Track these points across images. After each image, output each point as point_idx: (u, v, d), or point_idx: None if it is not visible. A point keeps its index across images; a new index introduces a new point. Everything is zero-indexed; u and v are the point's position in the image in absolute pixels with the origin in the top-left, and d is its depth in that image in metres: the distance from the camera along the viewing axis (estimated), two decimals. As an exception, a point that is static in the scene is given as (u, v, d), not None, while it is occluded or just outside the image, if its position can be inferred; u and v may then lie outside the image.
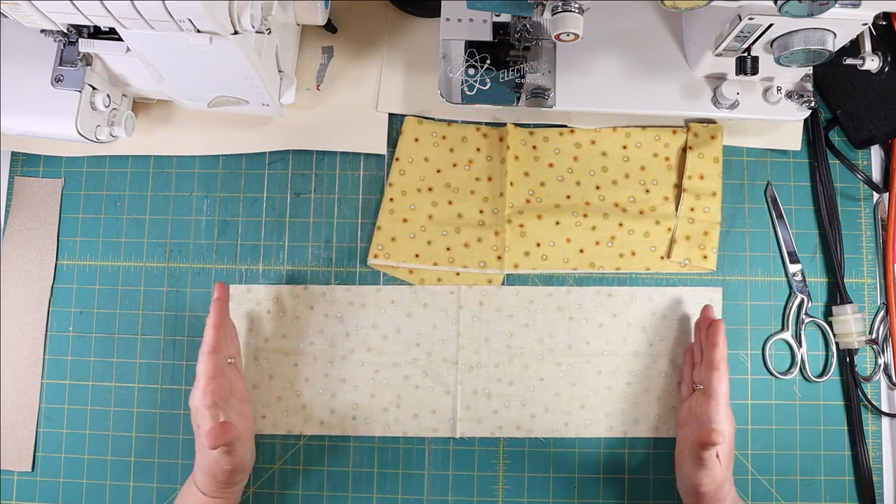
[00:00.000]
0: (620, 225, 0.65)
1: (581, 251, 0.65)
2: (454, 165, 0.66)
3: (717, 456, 0.54)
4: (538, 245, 0.65)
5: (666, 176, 0.66)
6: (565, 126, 0.67)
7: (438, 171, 0.66)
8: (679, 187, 0.65)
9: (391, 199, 0.66)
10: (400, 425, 0.64)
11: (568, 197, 0.66)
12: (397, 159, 0.66)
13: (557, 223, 0.65)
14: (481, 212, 0.66)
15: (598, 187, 0.66)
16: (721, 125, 0.66)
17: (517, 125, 0.66)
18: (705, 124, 0.66)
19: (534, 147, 0.66)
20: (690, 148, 0.65)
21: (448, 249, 0.65)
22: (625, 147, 0.66)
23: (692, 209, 0.65)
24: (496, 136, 0.67)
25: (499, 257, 0.65)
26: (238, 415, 0.58)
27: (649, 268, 0.65)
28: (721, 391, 0.56)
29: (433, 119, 0.67)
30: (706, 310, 0.62)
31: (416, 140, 0.66)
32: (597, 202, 0.66)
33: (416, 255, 0.65)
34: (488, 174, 0.66)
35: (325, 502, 0.64)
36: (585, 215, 0.65)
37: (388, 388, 0.64)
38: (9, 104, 0.57)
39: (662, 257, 0.65)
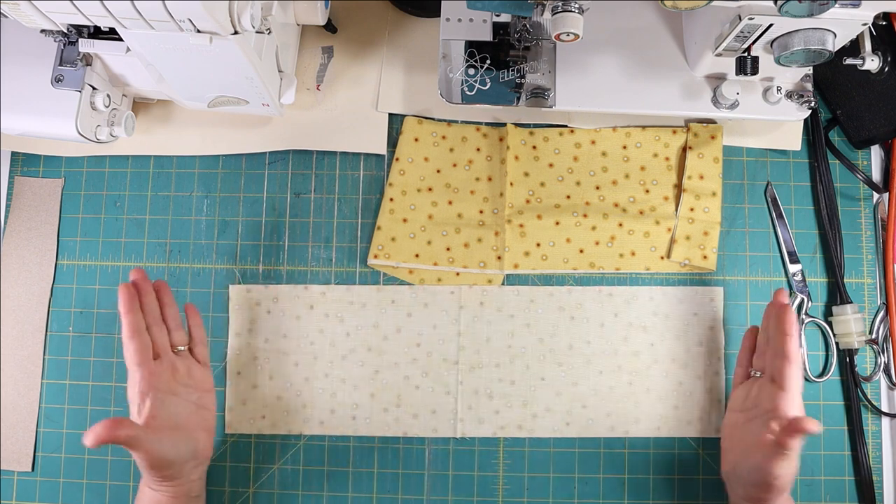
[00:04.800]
0: (620, 225, 0.65)
1: (581, 251, 0.65)
2: (454, 165, 0.66)
3: None
4: (538, 245, 0.65)
5: (666, 176, 0.66)
6: (565, 126, 0.67)
7: (438, 171, 0.66)
8: (679, 187, 0.65)
9: (391, 199, 0.66)
10: (400, 425, 0.64)
11: (568, 197, 0.66)
12: (397, 159, 0.66)
13: (557, 223, 0.65)
14: (481, 212, 0.66)
15: (598, 187, 0.66)
16: (721, 125, 0.66)
17: (517, 125, 0.66)
18: (705, 124, 0.66)
19: (534, 147, 0.66)
20: (690, 148, 0.65)
21: (448, 249, 0.65)
22: (625, 147, 0.66)
23: (692, 209, 0.65)
24: (496, 136, 0.67)
25: (499, 257, 0.65)
26: (186, 404, 0.57)
27: (649, 268, 0.65)
28: (797, 386, 0.53)
29: (433, 119, 0.67)
30: (777, 294, 0.57)
31: (416, 140, 0.66)
32: (597, 202, 0.66)
33: (416, 255, 0.65)
34: (488, 174, 0.66)
35: (325, 502, 0.64)
36: (585, 215, 0.65)
37: (388, 388, 0.64)
38: (9, 104, 0.57)
39: (662, 257, 0.65)
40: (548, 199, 0.66)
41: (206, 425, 0.58)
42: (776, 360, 0.54)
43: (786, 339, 0.54)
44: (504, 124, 0.66)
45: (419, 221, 0.65)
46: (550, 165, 0.66)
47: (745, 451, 0.54)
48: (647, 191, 0.66)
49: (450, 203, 0.66)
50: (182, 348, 0.59)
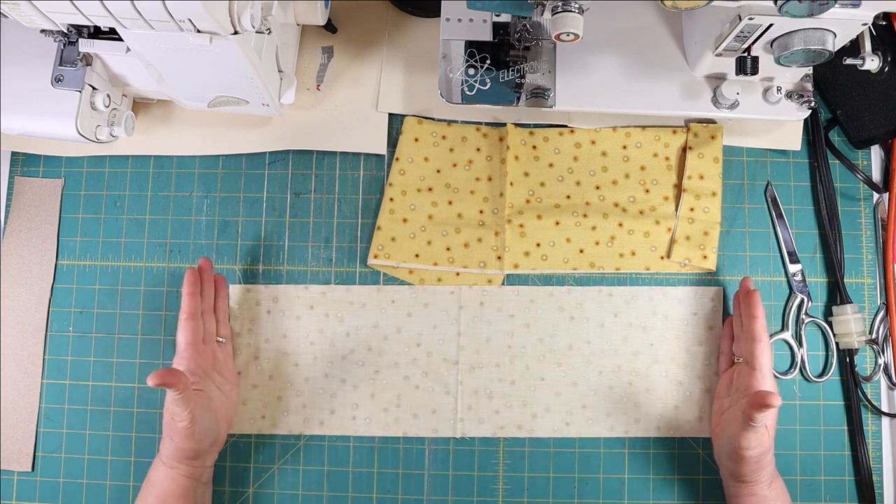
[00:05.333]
0: (620, 225, 0.65)
1: (581, 251, 0.65)
2: (454, 165, 0.66)
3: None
4: (538, 245, 0.65)
5: (666, 176, 0.66)
6: (565, 126, 0.67)
7: (438, 171, 0.66)
8: (679, 187, 0.65)
9: (391, 199, 0.65)
10: (400, 425, 0.64)
11: (568, 197, 0.66)
12: (397, 159, 0.66)
13: (557, 223, 0.65)
14: (481, 212, 0.66)
15: (597, 187, 0.66)
16: (721, 125, 0.66)
17: (517, 125, 0.66)
18: (705, 124, 0.66)
19: (534, 147, 0.66)
20: (690, 148, 0.65)
21: (448, 249, 0.65)
22: (625, 147, 0.66)
23: (692, 209, 0.65)
24: (496, 136, 0.67)
25: (499, 257, 0.65)
26: (219, 392, 0.60)
27: (649, 267, 0.65)
28: (766, 363, 0.57)
29: (433, 119, 0.67)
30: (744, 281, 0.61)
31: (416, 140, 0.66)
32: (597, 202, 0.66)
33: (416, 255, 0.65)
34: (488, 174, 0.66)
35: (325, 502, 0.64)
36: (585, 215, 0.65)
37: (388, 388, 0.64)
38: (9, 104, 0.57)
39: (662, 257, 0.65)
40: (548, 198, 0.66)
41: (229, 416, 0.62)
42: (748, 343, 0.58)
43: (753, 321, 0.58)
44: (504, 124, 0.66)
45: (419, 221, 0.65)
46: (550, 165, 0.66)
47: (726, 429, 0.58)
48: (648, 190, 0.66)
49: (450, 203, 0.66)
50: (223, 340, 0.63)
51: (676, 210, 0.65)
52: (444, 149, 0.66)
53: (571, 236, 0.65)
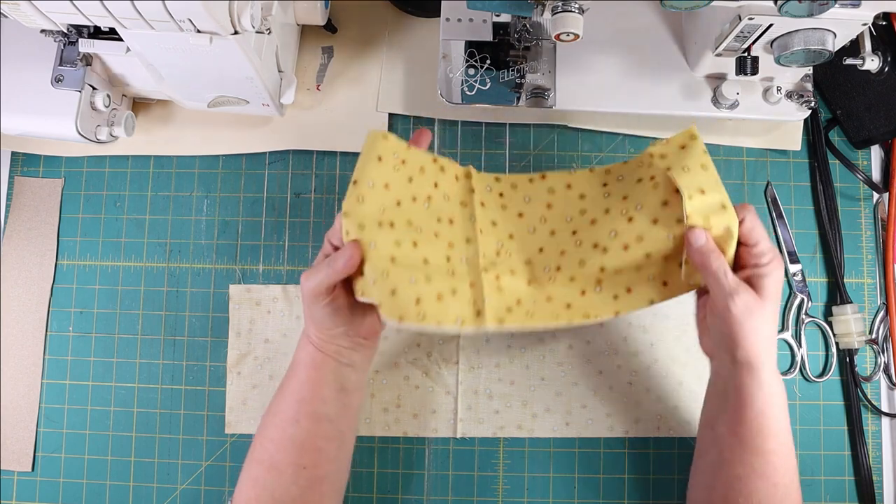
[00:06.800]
0: (602, 269, 0.53)
1: (568, 306, 0.53)
2: (413, 199, 0.52)
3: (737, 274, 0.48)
4: (518, 302, 0.53)
5: (652, 196, 0.52)
6: (536, 172, 0.58)
7: (399, 204, 0.52)
8: (668, 204, 0.52)
9: (347, 233, 0.49)
10: (400, 425, 0.64)
11: (541, 250, 0.55)
12: (355, 182, 0.50)
13: (530, 282, 0.54)
14: (448, 259, 0.52)
15: (574, 232, 0.55)
16: (690, 128, 0.54)
17: (481, 171, 0.57)
18: (664, 140, 0.54)
19: (500, 195, 0.57)
20: (669, 169, 0.51)
21: (417, 302, 0.49)
22: (605, 185, 0.56)
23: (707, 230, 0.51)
24: (452, 174, 0.55)
25: (478, 312, 0.51)
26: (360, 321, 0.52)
27: (653, 300, 0.53)
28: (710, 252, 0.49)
29: (397, 135, 0.52)
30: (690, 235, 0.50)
31: (380, 159, 0.51)
32: (572, 249, 0.54)
33: (379, 305, 0.48)
34: (449, 216, 0.54)
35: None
36: (559, 268, 0.54)
37: (388, 389, 0.64)
38: (9, 104, 0.57)
39: (666, 282, 0.53)
40: (517, 253, 0.55)
41: (367, 332, 0.53)
42: (705, 276, 0.50)
43: (703, 258, 0.49)
44: (467, 164, 0.57)
45: (380, 265, 0.49)
46: (520, 215, 0.56)
47: (710, 322, 0.52)
48: (631, 218, 0.52)
49: (414, 244, 0.51)
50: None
51: (671, 232, 0.52)
52: (402, 176, 0.52)
53: (552, 294, 0.54)
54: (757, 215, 0.50)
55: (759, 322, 0.48)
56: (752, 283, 0.49)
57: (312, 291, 0.49)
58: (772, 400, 0.49)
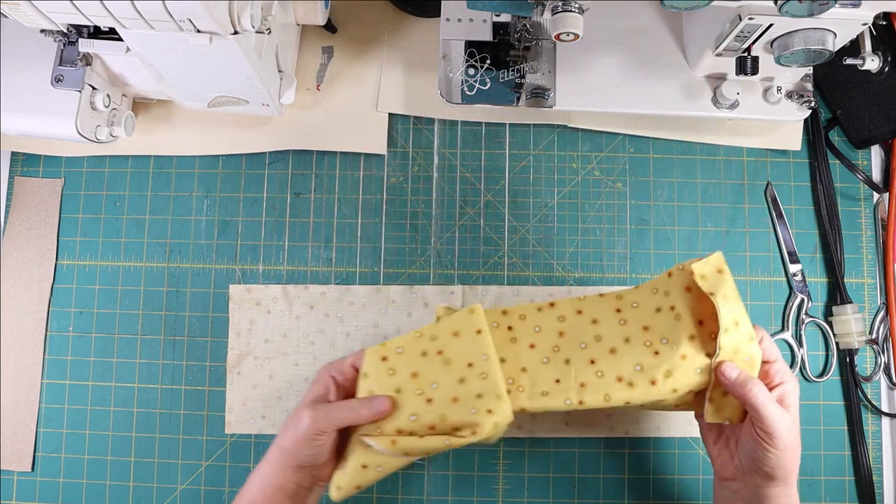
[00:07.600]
0: (627, 404, 0.52)
1: (589, 423, 0.56)
2: (423, 354, 0.53)
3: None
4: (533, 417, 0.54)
5: (678, 329, 0.51)
6: (545, 300, 0.57)
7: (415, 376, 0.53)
8: (694, 339, 0.51)
9: (365, 375, 0.53)
10: (400, 425, 0.64)
11: (557, 381, 0.52)
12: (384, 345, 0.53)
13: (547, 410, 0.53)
14: (455, 400, 0.52)
15: (592, 361, 0.52)
16: (720, 252, 0.52)
17: (487, 309, 0.56)
18: (700, 257, 0.52)
19: (509, 328, 0.55)
20: (712, 294, 0.50)
21: (432, 428, 0.51)
22: (619, 311, 0.54)
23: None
24: (450, 330, 0.54)
25: (489, 411, 0.51)
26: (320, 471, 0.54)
27: (678, 406, 0.53)
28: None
29: (390, 339, 0.54)
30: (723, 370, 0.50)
31: (384, 359, 0.53)
32: (594, 381, 0.52)
33: (393, 443, 0.51)
34: (466, 360, 0.53)
35: (325, 502, 0.64)
36: (581, 401, 0.52)
37: (388, 389, 0.64)
38: (9, 104, 0.57)
39: (692, 391, 0.52)
40: (532, 386, 0.53)
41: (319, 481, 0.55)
42: (749, 406, 0.49)
43: (742, 389, 0.49)
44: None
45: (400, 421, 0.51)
46: (532, 346, 0.54)
47: (738, 441, 0.52)
48: (657, 352, 0.51)
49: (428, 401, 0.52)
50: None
51: (697, 365, 0.51)
52: (412, 354, 0.53)
53: (570, 421, 0.56)
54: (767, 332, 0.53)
55: (795, 437, 0.49)
56: (779, 400, 0.50)
57: (321, 424, 0.50)
58: None
